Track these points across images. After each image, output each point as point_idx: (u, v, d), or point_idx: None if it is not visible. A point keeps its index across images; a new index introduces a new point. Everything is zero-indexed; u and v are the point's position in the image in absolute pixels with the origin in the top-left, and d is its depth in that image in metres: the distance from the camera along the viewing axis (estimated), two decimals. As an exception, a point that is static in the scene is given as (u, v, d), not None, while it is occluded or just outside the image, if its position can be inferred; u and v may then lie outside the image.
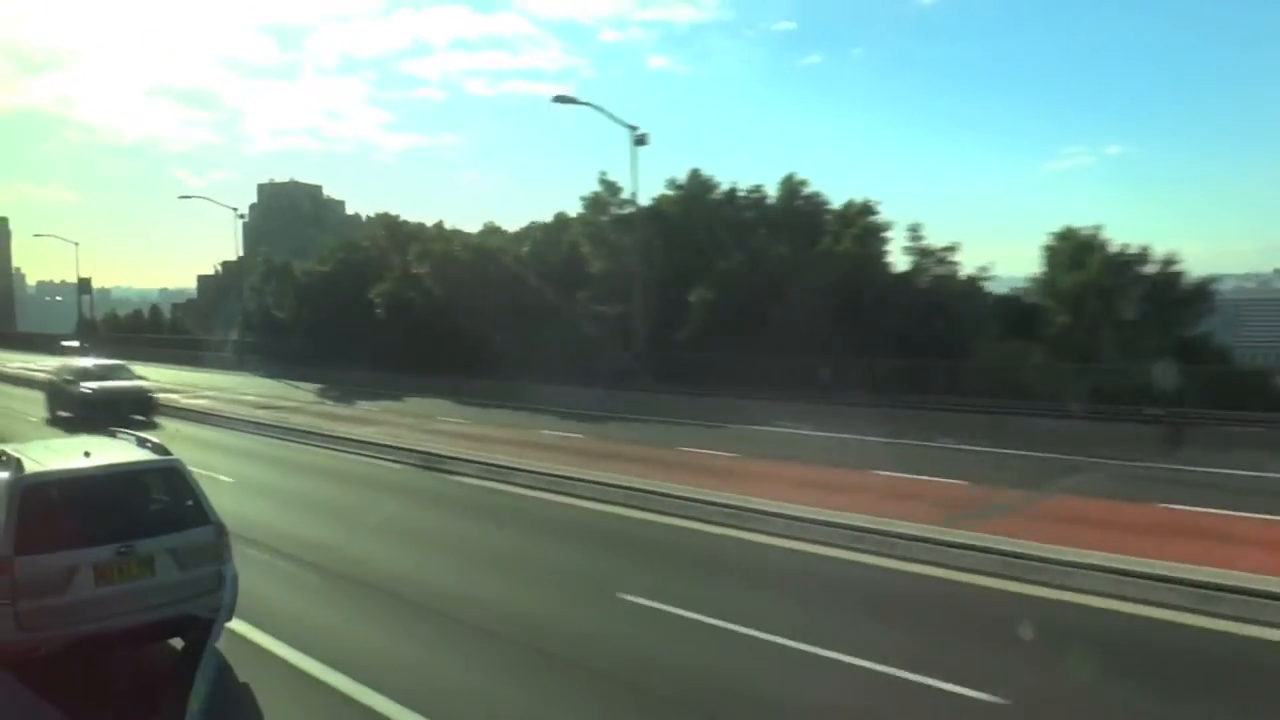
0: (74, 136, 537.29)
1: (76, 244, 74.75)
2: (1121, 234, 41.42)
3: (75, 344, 56.99)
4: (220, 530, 8.16)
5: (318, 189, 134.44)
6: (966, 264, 32.49)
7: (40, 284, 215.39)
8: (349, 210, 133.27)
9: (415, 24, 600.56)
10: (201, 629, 7.66)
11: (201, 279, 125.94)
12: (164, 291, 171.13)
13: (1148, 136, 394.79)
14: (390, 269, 44.66)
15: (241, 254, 59.78)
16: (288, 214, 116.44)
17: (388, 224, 49.92)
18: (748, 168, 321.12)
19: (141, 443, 8.92)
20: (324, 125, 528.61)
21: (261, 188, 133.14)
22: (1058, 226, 30.38)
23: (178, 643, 8.42)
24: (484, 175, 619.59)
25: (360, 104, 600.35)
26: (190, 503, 8.17)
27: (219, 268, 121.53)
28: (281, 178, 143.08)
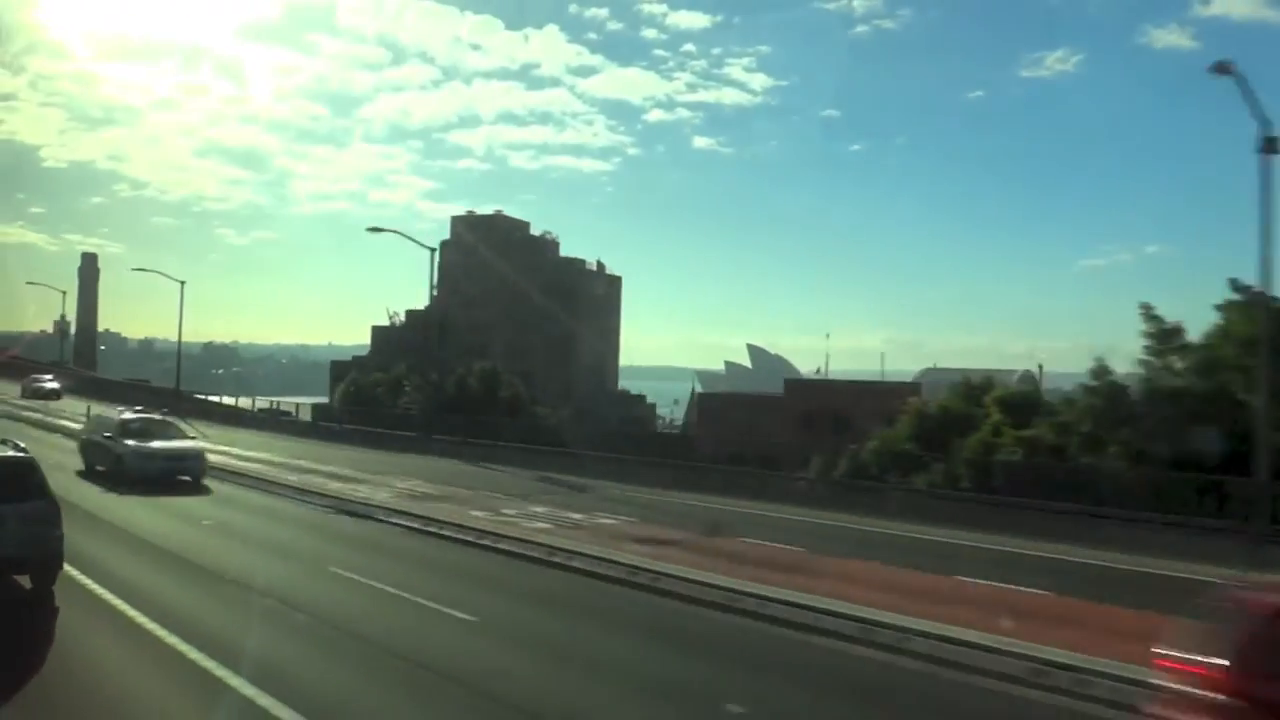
0: (123, 192, 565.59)
1: (183, 282, 57.81)
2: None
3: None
4: (54, 503, 12.18)
5: (525, 225, 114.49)
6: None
7: (147, 339, 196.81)
8: (563, 251, 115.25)
9: (465, 96, 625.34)
10: (40, 571, 11.95)
11: (378, 331, 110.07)
12: (331, 347, 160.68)
13: (1188, 236, 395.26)
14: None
15: (434, 296, 51.34)
16: (493, 250, 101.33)
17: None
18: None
19: (16, 447, 13.17)
20: (368, 191, 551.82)
21: (457, 220, 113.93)
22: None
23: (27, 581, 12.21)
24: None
25: (405, 172, 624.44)
26: (36, 483, 12.14)
27: (393, 317, 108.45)
28: (476, 206, 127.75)
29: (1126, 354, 28.20)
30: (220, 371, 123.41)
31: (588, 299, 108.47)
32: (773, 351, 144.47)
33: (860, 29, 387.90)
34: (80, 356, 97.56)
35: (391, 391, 55.35)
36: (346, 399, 58.75)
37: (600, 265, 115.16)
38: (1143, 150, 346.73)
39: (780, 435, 49.32)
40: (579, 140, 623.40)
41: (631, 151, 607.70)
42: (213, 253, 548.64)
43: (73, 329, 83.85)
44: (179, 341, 60.85)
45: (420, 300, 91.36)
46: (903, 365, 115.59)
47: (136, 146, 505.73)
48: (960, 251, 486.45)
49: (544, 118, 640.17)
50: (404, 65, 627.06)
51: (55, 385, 59.22)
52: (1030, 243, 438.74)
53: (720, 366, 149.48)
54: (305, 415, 59.19)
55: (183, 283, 57.74)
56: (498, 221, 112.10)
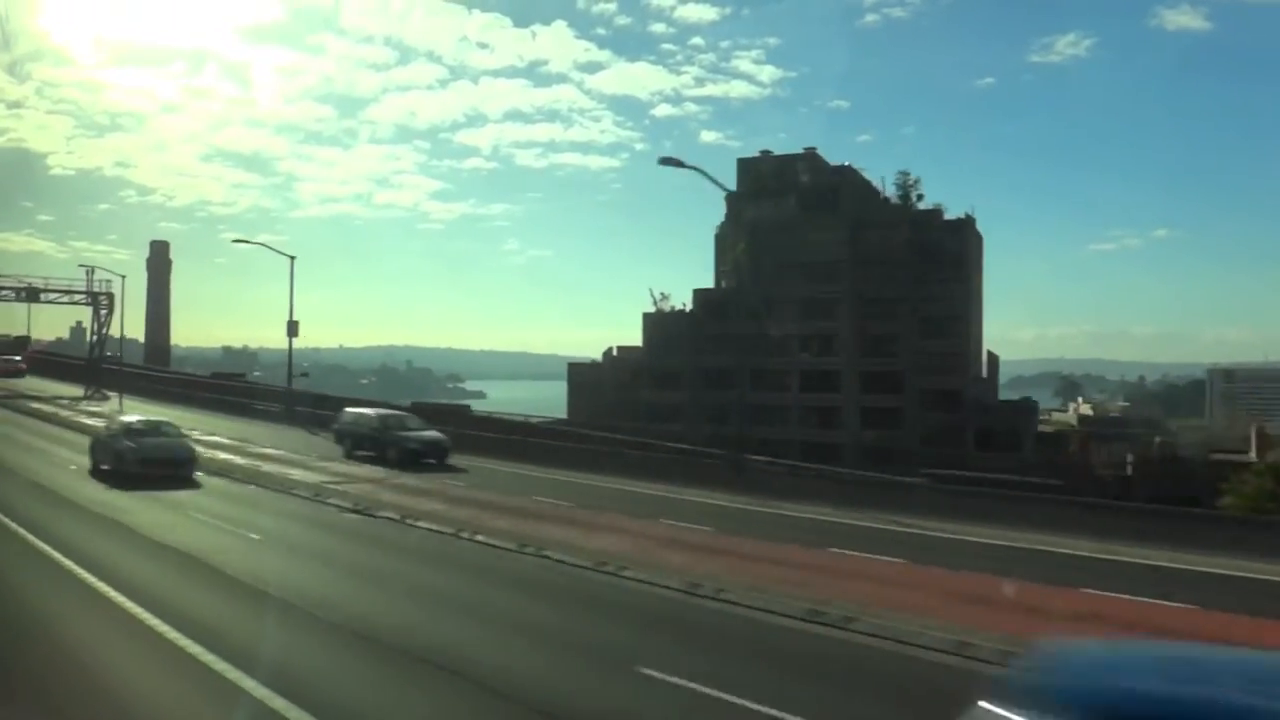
0: (130, 198, 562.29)
1: (293, 258, 44.99)
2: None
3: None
4: None
5: (852, 171, 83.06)
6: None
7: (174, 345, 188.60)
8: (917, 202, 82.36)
9: (472, 95, 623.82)
10: None
11: (651, 319, 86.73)
12: (342, 349, 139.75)
13: (1196, 220, 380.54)
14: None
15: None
16: (802, 202, 79.59)
17: None
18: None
19: None
20: (375, 192, 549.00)
21: (752, 164, 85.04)
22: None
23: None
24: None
25: (412, 172, 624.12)
26: None
27: (660, 301, 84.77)
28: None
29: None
30: (259, 374, 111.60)
31: (955, 262, 78.06)
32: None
33: (870, 18, 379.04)
34: (150, 357, 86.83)
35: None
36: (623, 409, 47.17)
37: (968, 217, 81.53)
38: (1153, 133, 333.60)
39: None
40: (586, 137, 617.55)
41: (639, 147, 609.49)
42: (219, 257, 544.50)
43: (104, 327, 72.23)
44: (289, 344, 48.49)
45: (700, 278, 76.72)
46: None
47: (143, 152, 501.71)
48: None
49: (551, 115, 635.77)
50: (410, 65, 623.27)
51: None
52: (1038, 229, 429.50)
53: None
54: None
55: (293, 258, 46.09)
56: (814, 163, 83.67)
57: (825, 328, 76.89)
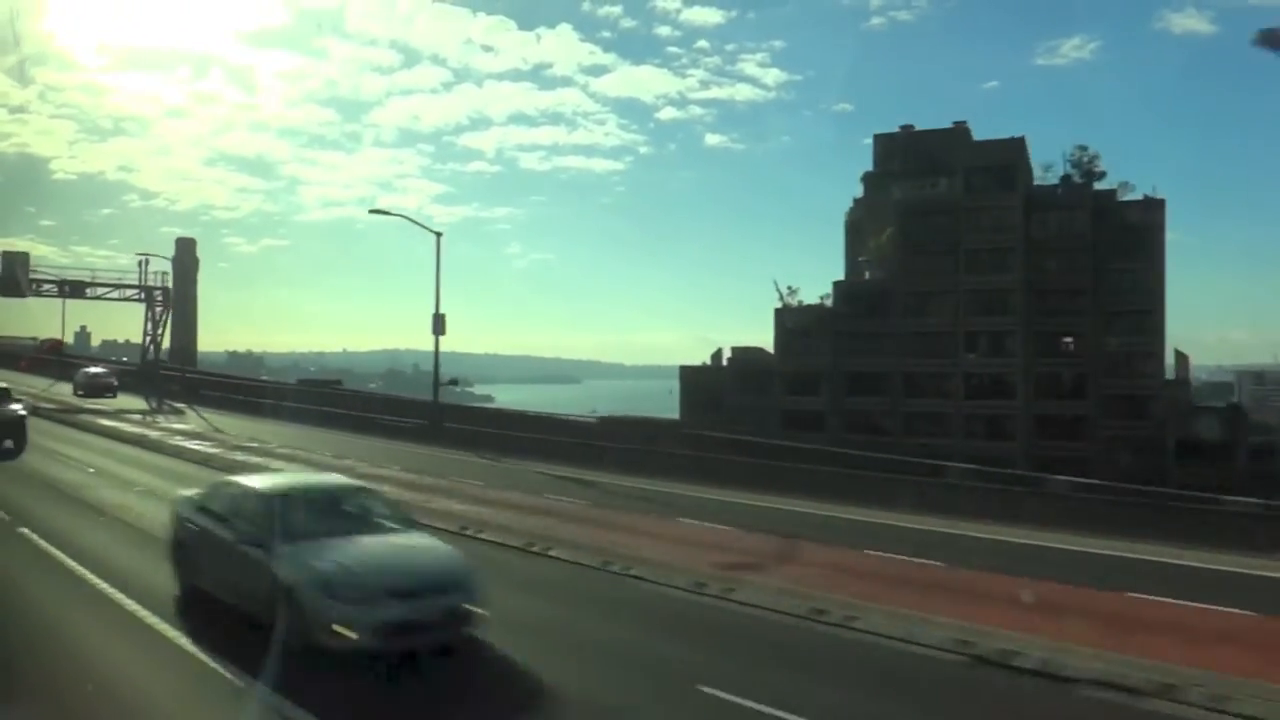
0: (133, 202, 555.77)
1: (439, 235, 35.85)
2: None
3: None
4: None
5: (1021, 146, 70.64)
6: None
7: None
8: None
9: (476, 98, 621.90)
10: None
11: (785, 314, 73.14)
12: (346, 354, 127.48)
13: (1203, 226, 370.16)
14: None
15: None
16: (966, 182, 68.80)
17: None
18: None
19: None
20: (378, 196, 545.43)
21: (891, 140, 75.26)
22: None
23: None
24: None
25: (415, 175, 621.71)
26: None
27: (788, 296, 72.65)
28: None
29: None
30: (265, 378, 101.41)
31: (1143, 248, 65.90)
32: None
33: (875, 21, 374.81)
34: (176, 359, 76.02)
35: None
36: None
37: (1154, 198, 68.60)
38: (1158, 135, 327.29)
39: None
40: (590, 140, 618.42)
41: (643, 150, 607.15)
42: (222, 261, 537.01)
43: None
44: (435, 345, 39.04)
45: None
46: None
47: (146, 157, 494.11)
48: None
49: (555, 118, 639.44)
50: (415, 68, 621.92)
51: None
52: None
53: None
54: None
55: (439, 235, 36.05)
56: (964, 138, 72.28)
57: (995, 324, 66.14)
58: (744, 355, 73.30)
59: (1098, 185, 69.27)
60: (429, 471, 24.92)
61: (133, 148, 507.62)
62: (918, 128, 74.84)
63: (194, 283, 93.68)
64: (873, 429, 63.96)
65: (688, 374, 75.68)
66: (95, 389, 49.47)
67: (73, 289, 62.76)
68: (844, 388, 67.39)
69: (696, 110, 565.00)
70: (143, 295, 63.58)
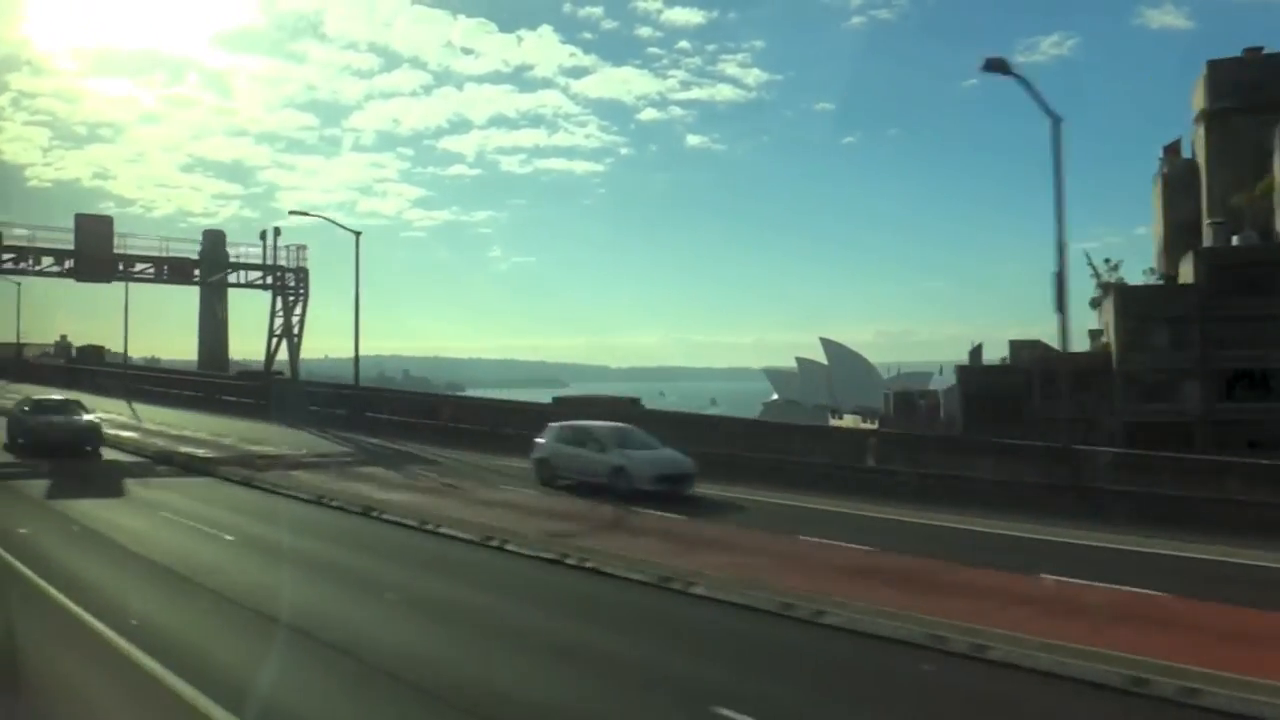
0: (109, 210, 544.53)
1: (358, 234, 31.80)
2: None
3: None
4: None
5: None
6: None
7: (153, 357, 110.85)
8: None
9: (456, 101, 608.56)
10: None
11: (1125, 295, 56.16)
12: (328, 360, 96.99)
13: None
14: None
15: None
16: None
17: None
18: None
19: None
20: (358, 200, 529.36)
21: (1217, 66, 57.15)
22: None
23: None
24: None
25: (395, 180, 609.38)
26: None
27: (1108, 272, 59.11)
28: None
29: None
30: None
31: None
32: (851, 347, 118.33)
33: (856, 20, 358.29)
34: (202, 365, 59.86)
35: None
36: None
37: None
38: (1134, 133, 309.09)
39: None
40: (571, 142, 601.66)
41: (624, 152, 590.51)
42: (194, 269, 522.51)
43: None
44: None
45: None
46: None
47: (122, 164, 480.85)
48: (952, 240, 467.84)
49: (536, 120, 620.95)
50: (394, 71, 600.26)
51: None
52: (1021, 229, 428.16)
53: (790, 364, 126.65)
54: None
55: (358, 234, 30.27)
56: None
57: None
58: (1026, 352, 56.24)
59: None
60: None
61: (108, 154, 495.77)
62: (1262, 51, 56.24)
63: (224, 283, 73.51)
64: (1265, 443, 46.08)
65: (966, 375, 58.14)
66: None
67: (172, 269, 46.42)
68: (1217, 389, 49.38)
69: (677, 111, 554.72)
70: (268, 281, 47.15)
